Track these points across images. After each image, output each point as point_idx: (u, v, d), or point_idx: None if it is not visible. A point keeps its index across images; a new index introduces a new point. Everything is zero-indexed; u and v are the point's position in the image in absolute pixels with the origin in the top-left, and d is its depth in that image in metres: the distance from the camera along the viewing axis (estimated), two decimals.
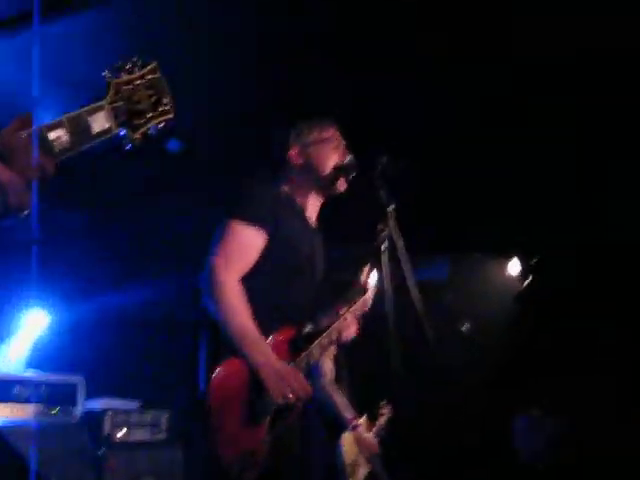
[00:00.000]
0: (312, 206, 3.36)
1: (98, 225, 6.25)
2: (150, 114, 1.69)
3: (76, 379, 4.96)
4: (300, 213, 3.29)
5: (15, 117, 1.53)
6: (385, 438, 4.02)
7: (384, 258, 2.99)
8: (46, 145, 1.51)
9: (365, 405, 4.17)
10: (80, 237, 6.24)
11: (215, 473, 2.80)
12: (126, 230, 6.17)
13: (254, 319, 2.90)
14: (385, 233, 2.99)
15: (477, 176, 5.67)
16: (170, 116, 1.73)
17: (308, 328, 3.17)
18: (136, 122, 1.67)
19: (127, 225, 6.13)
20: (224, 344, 2.89)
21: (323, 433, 3.34)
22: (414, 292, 3.18)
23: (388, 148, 3.12)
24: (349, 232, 4.68)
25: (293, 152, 3.31)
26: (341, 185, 3.30)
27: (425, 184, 4.91)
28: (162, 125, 1.73)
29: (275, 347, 2.96)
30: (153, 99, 1.69)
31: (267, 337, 2.95)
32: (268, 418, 2.85)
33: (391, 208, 3.03)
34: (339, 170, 3.26)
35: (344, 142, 3.36)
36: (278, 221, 3.09)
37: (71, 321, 6.03)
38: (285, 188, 3.31)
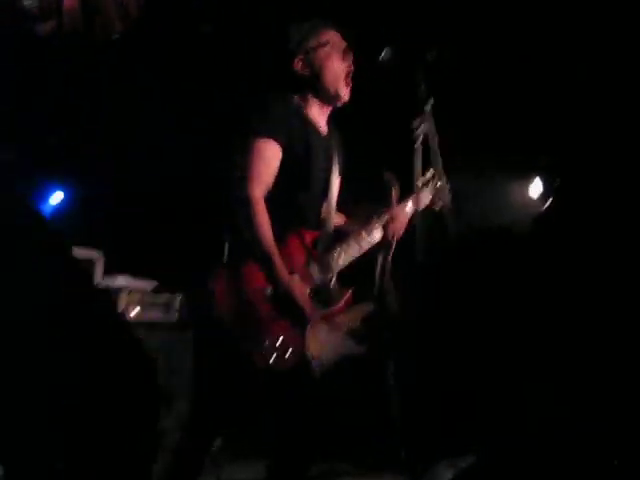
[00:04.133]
0: (322, 114, 3.30)
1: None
2: None
3: (94, 254, 5.02)
4: (310, 123, 3.24)
5: None
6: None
7: (417, 154, 2.96)
8: None
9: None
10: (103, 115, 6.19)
11: (234, 360, 2.90)
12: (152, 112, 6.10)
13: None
14: (421, 129, 2.95)
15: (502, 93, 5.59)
16: None
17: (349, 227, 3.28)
18: None
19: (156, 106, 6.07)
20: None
21: None
22: (444, 190, 3.21)
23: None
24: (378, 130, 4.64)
25: (297, 62, 3.22)
26: (345, 95, 3.24)
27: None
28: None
29: (297, 247, 3.07)
30: None
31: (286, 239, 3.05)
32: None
33: (429, 105, 2.97)
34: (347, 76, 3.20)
35: (345, 43, 3.25)
36: (291, 132, 3.10)
37: (91, 197, 6.05)
38: (296, 98, 3.25)
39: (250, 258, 2.96)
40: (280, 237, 3.01)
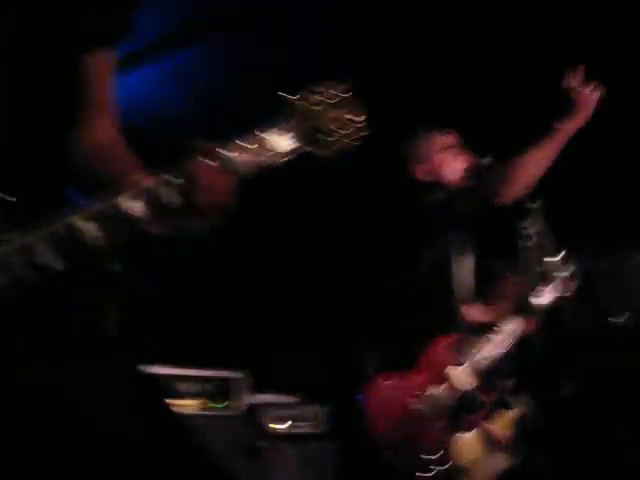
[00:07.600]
0: None
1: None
2: (342, 132, 1.72)
3: (239, 375, 5.22)
4: None
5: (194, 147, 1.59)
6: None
7: (532, 251, 3.00)
8: (233, 168, 1.60)
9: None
10: None
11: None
12: None
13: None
14: (531, 230, 2.99)
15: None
16: (363, 133, 1.75)
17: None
18: (327, 140, 1.71)
19: None
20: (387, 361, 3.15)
21: None
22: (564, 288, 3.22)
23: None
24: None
25: (419, 168, 3.32)
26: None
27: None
28: (357, 142, 1.76)
29: (442, 353, 3.15)
30: (345, 118, 1.72)
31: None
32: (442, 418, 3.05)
33: (537, 205, 3.02)
34: (468, 175, 3.27)
35: (462, 144, 3.35)
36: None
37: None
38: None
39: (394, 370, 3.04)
40: (425, 341, 3.13)
